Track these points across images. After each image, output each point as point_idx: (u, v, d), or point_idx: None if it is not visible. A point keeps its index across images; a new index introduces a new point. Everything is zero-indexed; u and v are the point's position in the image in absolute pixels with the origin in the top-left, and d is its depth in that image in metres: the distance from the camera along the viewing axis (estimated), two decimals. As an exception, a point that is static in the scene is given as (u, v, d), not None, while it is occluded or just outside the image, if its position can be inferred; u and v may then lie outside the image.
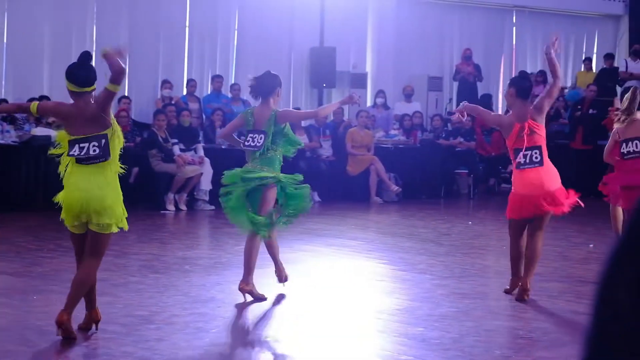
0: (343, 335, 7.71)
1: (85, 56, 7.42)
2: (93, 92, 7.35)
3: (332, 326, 8.03)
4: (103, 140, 7.24)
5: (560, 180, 9.32)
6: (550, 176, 9.22)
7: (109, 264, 10.42)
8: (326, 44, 20.53)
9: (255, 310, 8.65)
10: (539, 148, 9.13)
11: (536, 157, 9.11)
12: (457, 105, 21.81)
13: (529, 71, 23.90)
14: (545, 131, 9.34)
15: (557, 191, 9.21)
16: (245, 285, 8.94)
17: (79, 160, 7.22)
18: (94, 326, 7.55)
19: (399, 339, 7.56)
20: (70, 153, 7.23)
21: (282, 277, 9.41)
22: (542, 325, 8.34)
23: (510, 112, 9.43)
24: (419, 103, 21.34)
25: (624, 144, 10.31)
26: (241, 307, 8.70)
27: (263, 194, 8.99)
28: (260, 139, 8.99)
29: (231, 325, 8.07)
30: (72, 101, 7.34)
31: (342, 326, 8.04)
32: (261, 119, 9.08)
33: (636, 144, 10.27)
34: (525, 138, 9.09)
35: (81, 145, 7.19)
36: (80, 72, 7.28)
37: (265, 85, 9.19)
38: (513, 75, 23.91)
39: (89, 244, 7.27)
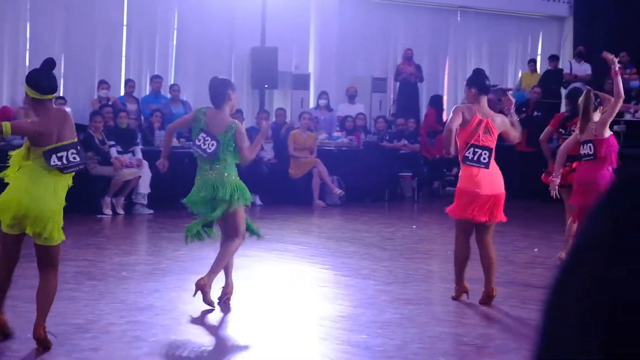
0: (285, 342, 7.59)
1: (50, 63, 7.33)
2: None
3: (274, 332, 7.93)
4: (79, 146, 7.29)
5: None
6: (499, 179, 9.22)
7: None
8: (268, 44, 20.30)
9: (194, 317, 8.49)
10: (490, 150, 9.11)
11: (484, 158, 9.08)
12: (399, 108, 21.80)
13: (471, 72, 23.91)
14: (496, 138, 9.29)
15: (502, 194, 9.21)
16: (204, 284, 8.77)
17: (61, 170, 7.16)
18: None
19: (342, 347, 7.47)
20: (53, 164, 7.12)
21: (226, 296, 9.09)
22: (487, 331, 8.28)
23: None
24: (362, 105, 21.20)
25: (582, 146, 10.49)
26: (180, 315, 8.53)
27: (232, 219, 8.90)
28: (212, 145, 8.75)
29: (170, 333, 7.85)
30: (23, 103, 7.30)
31: (284, 333, 7.95)
32: (216, 125, 8.84)
33: (590, 147, 10.36)
34: (481, 136, 9.06)
35: (59, 154, 7.16)
36: (45, 80, 7.21)
37: (215, 93, 8.98)
38: (457, 76, 24.12)
39: (41, 258, 7.22)
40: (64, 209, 7.30)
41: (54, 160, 7.11)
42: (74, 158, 7.18)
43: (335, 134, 19.91)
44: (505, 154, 19.81)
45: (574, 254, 1.37)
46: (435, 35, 23.81)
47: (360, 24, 22.32)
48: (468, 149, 9.07)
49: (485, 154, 9.07)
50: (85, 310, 8.45)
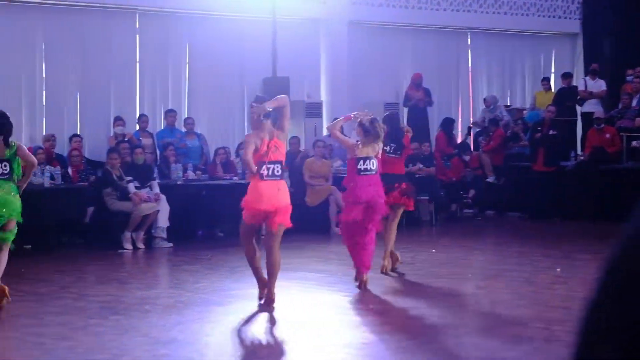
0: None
1: None
2: None
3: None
4: None
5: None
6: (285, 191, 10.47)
7: (67, 307, 10.28)
8: (279, 74, 20.32)
9: (218, 349, 8.45)
10: (280, 163, 10.33)
11: (277, 171, 10.26)
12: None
13: (485, 93, 23.86)
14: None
15: (287, 206, 10.56)
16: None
17: None
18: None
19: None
20: None
21: None
22: (509, 354, 8.18)
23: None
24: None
25: (361, 162, 11.50)
26: (203, 347, 8.52)
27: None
28: (5, 166, 10.46)
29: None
30: None
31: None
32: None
33: (372, 162, 11.49)
34: (270, 154, 10.17)
35: None
36: None
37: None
38: (469, 98, 24.11)
39: None
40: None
41: None
42: None
43: (350, 160, 19.87)
44: (522, 174, 19.89)
45: (604, 294, 1.22)
46: (445, 57, 23.78)
47: (370, 50, 22.36)
48: (262, 167, 10.16)
49: (277, 167, 10.29)
50: (111, 345, 8.44)
